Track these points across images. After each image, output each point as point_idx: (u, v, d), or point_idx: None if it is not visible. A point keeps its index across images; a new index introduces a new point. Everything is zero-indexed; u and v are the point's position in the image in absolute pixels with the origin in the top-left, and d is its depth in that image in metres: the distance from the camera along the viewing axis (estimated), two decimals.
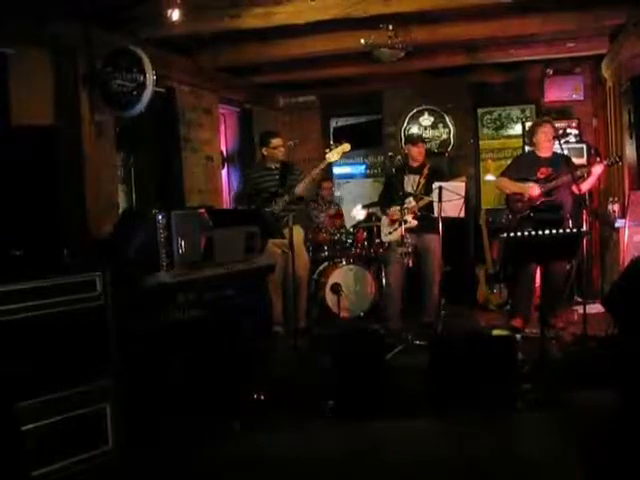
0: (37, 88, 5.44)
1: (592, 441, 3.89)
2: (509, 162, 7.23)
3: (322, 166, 6.75)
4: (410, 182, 6.82)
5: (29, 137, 4.43)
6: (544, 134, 6.41)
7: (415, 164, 6.95)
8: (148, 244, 4.34)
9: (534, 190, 6.35)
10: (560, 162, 6.41)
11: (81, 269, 4.02)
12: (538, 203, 6.36)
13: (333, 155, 6.56)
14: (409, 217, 6.57)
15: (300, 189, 6.62)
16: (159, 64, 5.97)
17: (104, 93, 5.79)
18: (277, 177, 6.74)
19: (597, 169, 6.33)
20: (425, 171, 6.81)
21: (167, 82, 6.90)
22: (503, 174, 6.74)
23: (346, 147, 6.56)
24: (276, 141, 6.90)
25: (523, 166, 6.59)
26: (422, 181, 6.75)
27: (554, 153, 6.50)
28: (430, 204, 6.46)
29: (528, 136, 6.81)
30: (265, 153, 6.96)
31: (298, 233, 6.92)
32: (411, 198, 6.67)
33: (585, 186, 6.34)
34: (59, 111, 5.59)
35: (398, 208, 6.61)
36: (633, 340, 4.89)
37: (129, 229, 4.56)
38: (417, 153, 6.92)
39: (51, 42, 5.51)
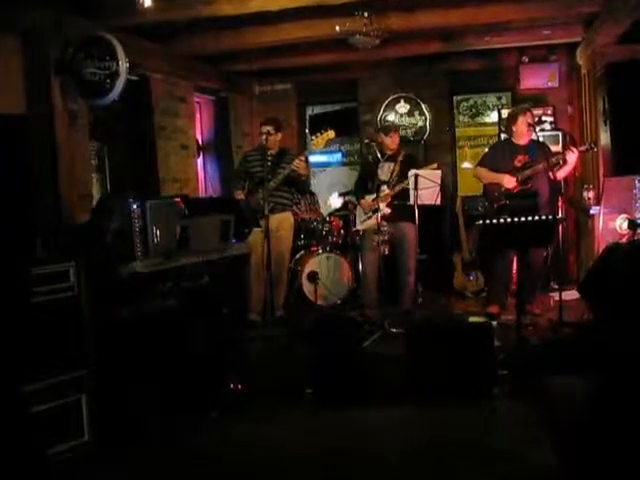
0: (7, 76, 5.35)
1: (567, 427, 3.92)
2: (485, 151, 7.23)
3: (307, 153, 6.86)
4: (385, 170, 6.81)
5: None
6: (526, 122, 6.42)
7: (389, 152, 6.93)
8: (124, 233, 4.31)
9: (510, 182, 6.37)
10: (536, 149, 6.43)
11: (54, 259, 3.98)
12: (515, 191, 6.38)
13: (319, 142, 6.55)
14: (382, 205, 6.56)
15: (283, 175, 6.61)
16: (132, 52, 5.88)
17: (76, 81, 5.69)
18: (269, 164, 6.66)
19: (571, 156, 6.34)
20: (399, 158, 6.79)
21: (141, 70, 6.82)
22: (480, 164, 6.75)
23: (331, 134, 6.55)
24: (261, 127, 6.87)
25: (499, 155, 6.60)
26: (396, 169, 6.72)
27: (531, 140, 6.51)
28: (406, 192, 6.45)
29: (507, 124, 6.79)
30: None
31: (287, 219, 6.97)
32: (385, 186, 6.66)
33: (561, 173, 6.37)
34: (31, 100, 5.49)
35: (372, 197, 6.62)
36: (608, 326, 4.93)
37: (106, 216, 4.51)
38: (390, 142, 6.87)
39: (21, 29, 5.41)
